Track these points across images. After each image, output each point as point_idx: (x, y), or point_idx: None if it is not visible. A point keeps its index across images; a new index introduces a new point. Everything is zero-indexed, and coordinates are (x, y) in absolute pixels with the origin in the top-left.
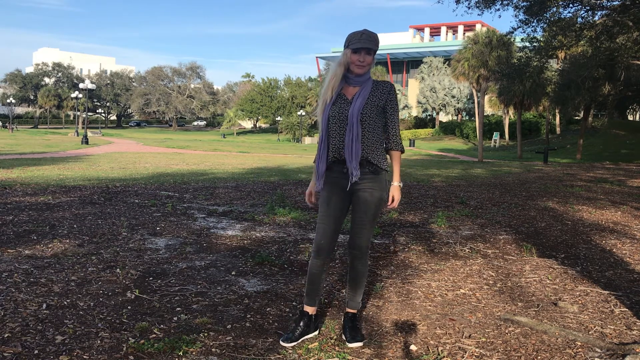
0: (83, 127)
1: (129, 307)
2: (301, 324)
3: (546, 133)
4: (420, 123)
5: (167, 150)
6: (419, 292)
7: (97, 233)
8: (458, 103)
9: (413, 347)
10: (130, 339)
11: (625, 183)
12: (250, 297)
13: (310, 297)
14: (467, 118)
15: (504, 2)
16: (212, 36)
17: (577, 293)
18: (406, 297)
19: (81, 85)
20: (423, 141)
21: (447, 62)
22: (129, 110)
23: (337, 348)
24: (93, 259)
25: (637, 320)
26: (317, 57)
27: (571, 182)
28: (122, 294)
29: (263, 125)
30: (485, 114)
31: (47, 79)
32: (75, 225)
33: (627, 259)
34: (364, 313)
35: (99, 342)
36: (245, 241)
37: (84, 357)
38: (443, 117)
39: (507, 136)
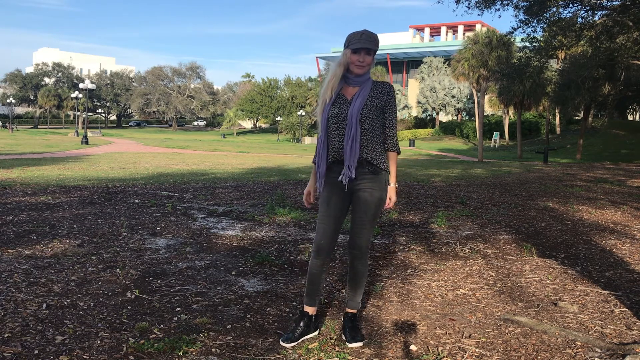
0: (83, 127)
1: (129, 307)
2: (301, 324)
3: (546, 133)
4: (420, 123)
5: (167, 150)
6: (419, 292)
7: (97, 233)
8: (458, 103)
9: (413, 347)
10: (130, 339)
11: (625, 183)
12: (250, 297)
13: (310, 297)
14: (467, 118)
15: (504, 2)
16: (212, 36)
17: (577, 293)
18: (406, 297)
19: (81, 85)
20: (423, 141)
21: (447, 62)
22: (129, 110)
23: (337, 348)
24: (93, 259)
25: (637, 320)
26: (317, 57)
27: (571, 182)
28: (122, 294)
29: (263, 125)
30: (485, 114)
31: (47, 79)
32: (75, 225)
33: (627, 259)
34: (364, 313)
35: (99, 342)
36: (245, 241)
37: (84, 357)
38: (443, 117)
39: (507, 136)
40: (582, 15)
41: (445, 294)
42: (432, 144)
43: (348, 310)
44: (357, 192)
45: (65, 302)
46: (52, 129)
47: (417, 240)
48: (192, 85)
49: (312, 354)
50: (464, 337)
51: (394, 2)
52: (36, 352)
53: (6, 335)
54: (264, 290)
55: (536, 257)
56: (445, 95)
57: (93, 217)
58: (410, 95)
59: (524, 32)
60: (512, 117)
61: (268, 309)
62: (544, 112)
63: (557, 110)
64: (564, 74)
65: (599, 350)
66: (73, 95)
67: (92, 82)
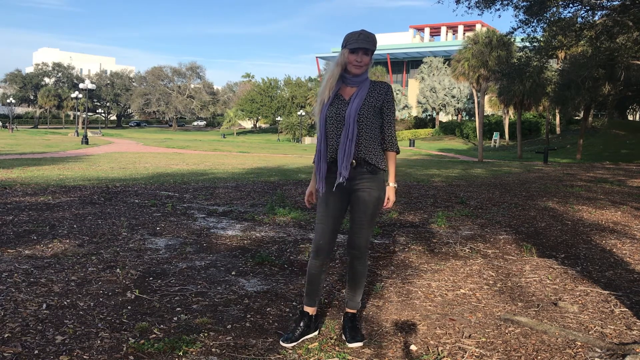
0: (83, 127)
1: (129, 307)
2: (301, 324)
3: (546, 133)
4: (420, 123)
5: (167, 150)
6: (419, 292)
7: (97, 233)
8: (458, 103)
9: (413, 347)
10: (130, 339)
11: (625, 183)
12: (250, 297)
13: (310, 297)
14: (467, 118)
15: (504, 2)
16: (212, 36)
17: (577, 293)
18: (406, 297)
19: (81, 85)
20: (423, 141)
21: (447, 62)
22: (129, 110)
23: (337, 348)
24: (93, 259)
25: (637, 320)
26: (317, 57)
27: (571, 182)
28: (122, 294)
29: (263, 125)
30: (485, 114)
31: (47, 79)
32: (75, 225)
33: (627, 259)
34: (364, 313)
35: (99, 342)
36: (245, 241)
37: (84, 357)
38: (443, 117)
39: (507, 136)
40: (582, 15)
41: (445, 294)
42: (432, 144)
43: (348, 310)
44: (355, 192)
45: (65, 302)
46: (52, 129)
47: (417, 240)
48: (192, 85)
49: (312, 354)
50: (464, 337)
51: (394, 2)
52: (36, 352)
53: (6, 335)
54: (264, 290)
55: (536, 257)
56: (445, 95)
57: (93, 217)
58: (410, 95)
59: (524, 32)
60: (512, 117)
61: (268, 309)
62: (544, 112)
63: (557, 110)
64: (564, 74)
65: (599, 350)
66: (73, 95)
67: (92, 82)
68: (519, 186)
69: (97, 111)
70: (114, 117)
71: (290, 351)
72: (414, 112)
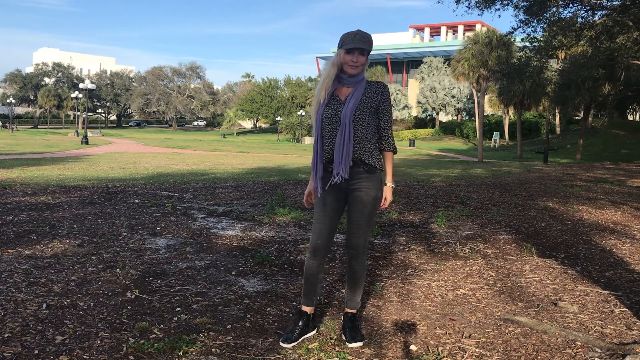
0: (83, 127)
1: (129, 307)
2: (300, 323)
3: (546, 133)
4: (420, 123)
5: (167, 150)
6: (419, 292)
7: (97, 233)
8: (458, 103)
9: (413, 347)
10: (130, 339)
11: (625, 183)
12: (250, 297)
13: (307, 297)
14: (467, 118)
15: (504, 2)
16: (212, 36)
17: (577, 293)
18: (406, 297)
19: (81, 85)
20: (423, 141)
21: (447, 62)
22: (129, 110)
23: (337, 348)
24: (93, 259)
25: (637, 320)
26: (317, 57)
27: (571, 182)
28: (122, 294)
29: (263, 125)
30: (485, 114)
31: (47, 79)
32: (75, 225)
33: (627, 259)
34: (364, 313)
35: (99, 342)
36: (245, 241)
37: (84, 357)
38: (443, 117)
39: (507, 136)
40: (582, 15)
41: (445, 294)
42: (432, 144)
43: (348, 310)
44: (352, 192)
45: (65, 302)
46: (52, 129)
47: (417, 240)
48: (192, 85)
49: (312, 354)
50: (464, 337)
51: (394, 2)
52: (36, 352)
53: (6, 335)
54: (264, 290)
55: (536, 257)
56: (445, 95)
57: (93, 217)
58: (410, 95)
59: (524, 32)
60: (512, 117)
61: (268, 309)
62: (544, 112)
63: (557, 110)
64: (564, 74)
65: (599, 350)
66: (73, 95)
67: (92, 82)
68: (519, 186)
69: (97, 111)
70: (114, 117)
71: (290, 351)
72: (414, 112)
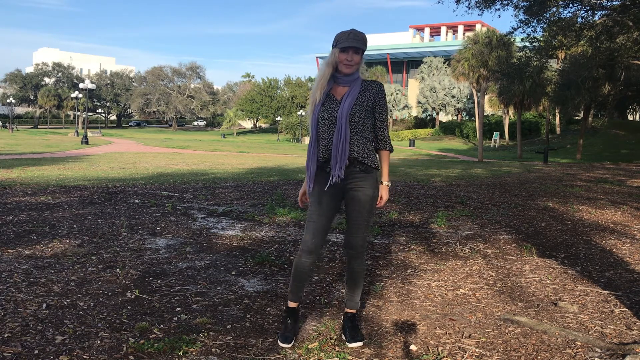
0: (83, 127)
1: (129, 307)
2: (289, 321)
3: (546, 133)
4: (420, 123)
5: (167, 150)
6: (419, 292)
7: (97, 233)
8: (458, 103)
9: (413, 347)
10: (130, 339)
11: (625, 183)
12: (250, 297)
13: (295, 294)
14: (467, 118)
15: (504, 2)
16: (212, 36)
17: (577, 293)
18: (406, 297)
19: (81, 85)
20: (423, 141)
21: (447, 62)
22: (129, 110)
23: (337, 348)
24: (93, 259)
25: (637, 320)
26: (317, 57)
27: (571, 182)
28: (122, 294)
29: (263, 125)
30: (485, 114)
31: (47, 79)
32: (75, 225)
33: (627, 259)
34: (364, 313)
35: (99, 342)
36: (245, 241)
37: (84, 357)
38: (443, 117)
39: (507, 136)
40: (582, 15)
41: (445, 294)
42: (432, 144)
43: (347, 310)
44: (349, 192)
45: (65, 302)
46: (52, 129)
47: (417, 240)
48: (192, 85)
49: (312, 354)
50: (464, 337)
51: (394, 2)
52: (36, 352)
53: (6, 335)
54: (264, 290)
55: (536, 257)
56: (445, 95)
57: (93, 217)
58: (410, 95)
59: (524, 32)
60: (512, 117)
61: (268, 309)
62: (544, 112)
63: (557, 110)
64: (564, 74)
65: (599, 350)
66: (73, 95)
67: (92, 82)
68: (519, 186)
69: (97, 111)
70: (114, 117)
71: (290, 351)
72: (414, 112)
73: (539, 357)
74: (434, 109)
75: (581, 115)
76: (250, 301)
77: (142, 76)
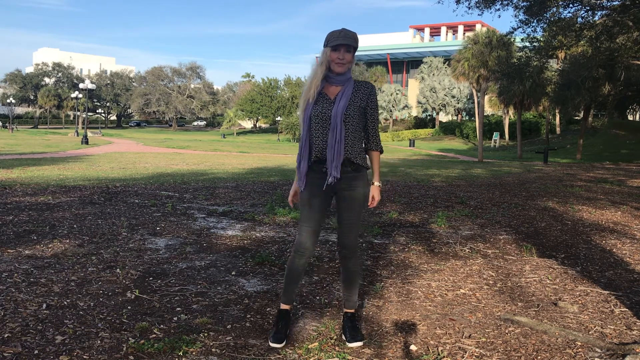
0: (83, 127)
1: (129, 307)
2: (281, 323)
3: (546, 133)
4: (420, 123)
5: (167, 150)
6: (419, 292)
7: (97, 233)
8: (458, 103)
9: (413, 347)
10: (130, 339)
11: (625, 183)
12: (250, 297)
13: (288, 295)
14: (467, 118)
15: (504, 2)
16: (212, 36)
17: (577, 293)
18: (406, 297)
19: (81, 85)
20: (423, 141)
21: (447, 62)
22: (129, 110)
23: (337, 348)
24: (93, 259)
25: (637, 320)
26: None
27: (571, 182)
28: (122, 294)
29: (263, 125)
30: (485, 114)
31: (47, 79)
32: (75, 225)
33: (627, 259)
34: (364, 313)
35: (99, 342)
36: (245, 241)
37: (84, 357)
38: (443, 117)
39: (507, 136)
40: (582, 15)
41: (445, 294)
42: (432, 144)
43: (346, 310)
44: (340, 192)
45: (65, 302)
46: (52, 129)
47: (417, 240)
48: (192, 85)
49: (312, 354)
50: (464, 337)
51: (394, 2)
52: (36, 352)
53: (6, 335)
54: (264, 290)
55: (536, 257)
56: (445, 95)
57: (93, 217)
58: (410, 95)
59: (524, 32)
60: (512, 117)
61: (268, 309)
62: (544, 112)
63: (557, 110)
64: (564, 74)
65: (599, 350)
66: (73, 95)
67: (92, 82)
68: (519, 186)
69: (97, 111)
70: (114, 117)
71: (290, 351)
72: (414, 112)
73: (539, 357)
74: (434, 109)
75: (581, 115)
76: (250, 301)
77: (142, 76)
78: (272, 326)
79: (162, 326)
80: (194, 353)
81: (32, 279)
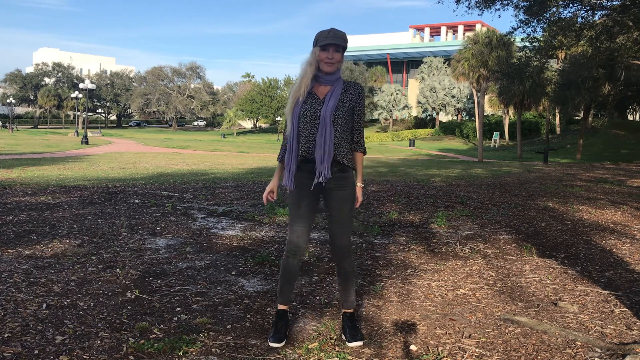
0: (83, 127)
1: (129, 307)
2: (280, 323)
3: (546, 133)
4: (420, 123)
5: (167, 150)
6: (419, 292)
7: (97, 233)
8: (458, 103)
9: (413, 347)
10: (130, 339)
11: (625, 183)
12: (250, 297)
13: (285, 296)
14: (467, 118)
15: (504, 2)
16: (212, 36)
17: (577, 293)
18: (406, 297)
19: (81, 85)
20: (423, 141)
21: (447, 62)
22: (129, 110)
23: (337, 348)
24: (93, 259)
25: (637, 320)
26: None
27: (571, 182)
28: (122, 294)
29: (263, 125)
30: (485, 114)
31: (47, 79)
32: (75, 225)
33: (627, 259)
34: (364, 313)
35: (99, 342)
36: (245, 241)
37: (84, 357)
38: (443, 117)
39: (507, 136)
40: (582, 15)
41: (445, 294)
42: (432, 144)
43: (345, 310)
44: (329, 193)
45: (65, 302)
46: (52, 129)
47: (417, 240)
48: (192, 85)
49: (312, 354)
50: (464, 337)
51: (394, 2)
52: (36, 352)
53: (6, 335)
54: (264, 290)
55: (536, 257)
56: (445, 95)
57: (93, 217)
58: (410, 95)
59: (524, 32)
60: (512, 117)
61: (268, 309)
62: (544, 112)
63: (557, 110)
64: (564, 74)
65: (599, 350)
66: (73, 95)
67: (92, 82)
68: (519, 186)
69: (97, 111)
70: (114, 117)
71: (290, 351)
72: (414, 112)
73: (539, 357)
74: (434, 109)
75: (581, 115)
76: (250, 301)
77: (142, 76)
78: (271, 326)
79: (162, 326)
80: (194, 353)
81: (32, 279)
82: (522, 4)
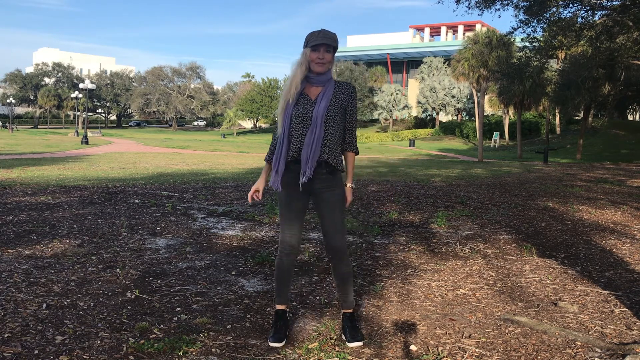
0: (83, 127)
1: (129, 307)
2: (279, 323)
3: (546, 133)
4: (420, 123)
5: (167, 150)
6: (419, 292)
7: (97, 233)
8: (458, 103)
9: (413, 347)
10: (130, 339)
11: (625, 183)
12: (250, 297)
13: (282, 295)
14: (467, 118)
15: (504, 2)
16: (212, 36)
17: (577, 293)
18: (406, 297)
19: (81, 85)
20: (423, 141)
21: (447, 62)
22: (129, 110)
23: (337, 348)
24: (93, 259)
25: (637, 320)
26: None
27: (571, 182)
28: (122, 294)
29: (263, 125)
30: (485, 114)
31: (47, 79)
32: (75, 225)
33: (627, 259)
34: (364, 313)
35: (99, 342)
36: (245, 241)
37: (84, 357)
38: (443, 117)
39: (507, 136)
40: (582, 15)
41: (445, 294)
42: (432, 144)
43: (344, 311)
44: (318, 195)
45: (65, 302)
46: (52, 129)
47: (417, 240)
48: (192, 85)
49: (312, 354)
50: (464, 337)
51: (394, 2)
52: (36, 352)
53: (6, 335)
54: (264, 290)
55: (536, 257)
56: (445, 95)
57: (93, 217)
58: (410, 95)
59: (524, 32)
60: (512, 117)
61: (268, 309)
62: (544, 112)
63: (557, 110)
64: (564, 74)
65: (599, 350)
66: (73, 95)
67: (92, 82)
68: (519, 186)
69: (97, 111)
70: (114, 117)
71: (290, 351)
72: (414, 112)
73: (539, 357)
74: (434, 109)
75: (581, 115)
76: (250, 301)
77: (142, 76)
78: (271, 326)
79: (162, 326)
80: (194, 353)
81: (32, 279)
82: (522, 4)
